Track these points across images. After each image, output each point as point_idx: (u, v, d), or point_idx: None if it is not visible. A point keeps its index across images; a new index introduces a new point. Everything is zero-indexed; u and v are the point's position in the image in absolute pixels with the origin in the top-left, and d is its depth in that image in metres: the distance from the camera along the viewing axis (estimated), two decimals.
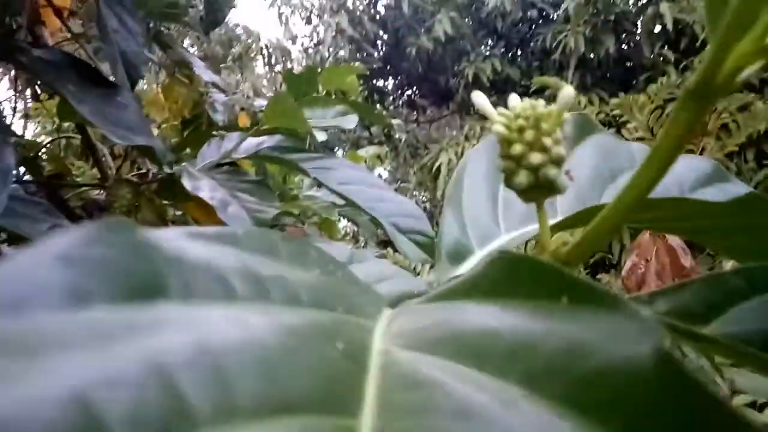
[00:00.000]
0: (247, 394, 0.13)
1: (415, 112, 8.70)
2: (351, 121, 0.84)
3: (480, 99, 0.23)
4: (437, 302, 0.22)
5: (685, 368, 0.12)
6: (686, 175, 0.34)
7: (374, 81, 8.39)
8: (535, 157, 0.21)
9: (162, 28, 1.22)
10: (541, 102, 0.22)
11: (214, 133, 1.03)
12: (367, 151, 2.16)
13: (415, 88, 8.58)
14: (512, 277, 0.20)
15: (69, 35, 0.99)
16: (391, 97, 8.83)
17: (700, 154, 2.24)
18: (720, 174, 0.35)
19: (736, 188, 0.34)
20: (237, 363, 0.13)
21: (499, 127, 0.22)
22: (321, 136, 0.84)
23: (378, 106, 8.19)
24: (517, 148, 0.22)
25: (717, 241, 0.31)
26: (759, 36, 0.18)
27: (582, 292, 0.17)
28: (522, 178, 0.22)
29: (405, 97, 8.79)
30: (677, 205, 0.27)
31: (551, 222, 0.31)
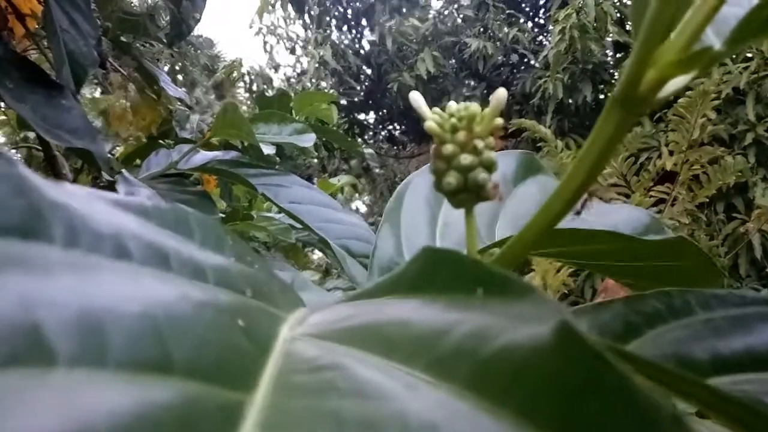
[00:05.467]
0: (122, 346, 0.12)
1: (395, 147, 8.78)
2: (307, 140, 0.84)
3: (416, 97, 0.23)
4: (356, 300, 0.21)
5: (586, 339, 0.12)
6: (623, 225, 0.34)
7: (355, 114, 8.46)
8: (466, 159, 0.21)
9: (129, 41, 1.22)
10: (476, 105, 0.22)
11: (161, 142, 1.02)
12: (340, 180, 2.16)
13: (396, 123, 8.68)
14: (432, 272, 0.19)
15: (36, 44, 0.97)
16: (372, 132, 8.90)
17: (672, 204, 2.29)
18: (656, 226, 0.35)
19: None
20: (116, 313, 0.13)
21: (431, 124, 0.22)
22: (268, 150, 0.84)
23: (358, 139, 8.25)
24: (448, 148, 0.21)
25: (641, 282, 0.31)
26: (682, 46, 0.18)
27: (496, 284, 0.17)
28: (451, 179, 0.22)
29: (386, 131, 8.88)
30: (608, 240, 0.27)
31: (487, 244, 0.31)
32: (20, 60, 0.75)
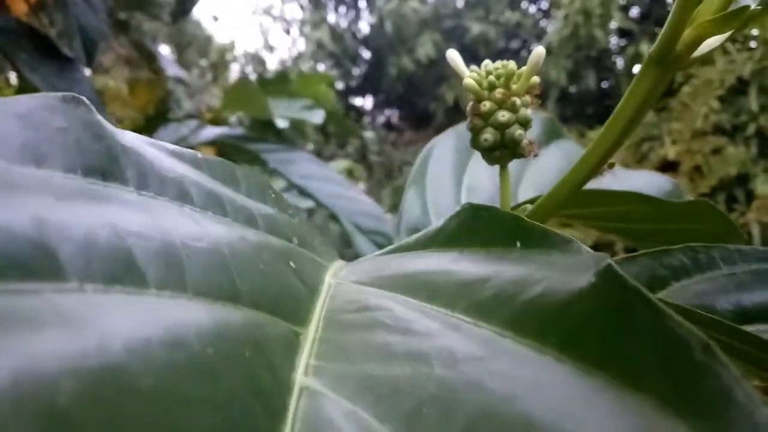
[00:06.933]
0: (198, 276, 0.13)
1: (392, 134, 8.74)
2: (317, 116, 0.84)
3: (453, 56, 0.23)
4: (395, 253, 0.22)
5: (627, 280, 0.13)
6: (646, 190, 0.35)
7: (352, 99, 8.41)
8: (503, 115, 0.22)
9: (127, 19, 1.21)
10: (513, 62, 0.23)
11: (170, 117, 1.03)
12: (338, 165, 2.17)
13: (394, 109, 8.63)
14: (471, 226, 0.20)
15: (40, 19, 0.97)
16: (369, 117, 8.86)
17: None
18: (678, 193, 0.36)
19: None
20: (190, 248, 0.13)
21: (470, 81, 0.22)
22: (283, 124, 0.84)
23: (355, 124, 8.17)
24: (486, 105, 0.22)
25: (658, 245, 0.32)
26: (719, 6, 0.19)
27: (535, 237, 0.18)
28: (488, 135, 0.22)
29: (383, 117, 8.84)
30: (635, 201, 0.28)
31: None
32: (32, 33, 0.75)
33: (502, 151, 0.23)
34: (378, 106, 8.71)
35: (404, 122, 8.37)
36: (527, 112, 0.22)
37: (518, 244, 0.18)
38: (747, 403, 0.09)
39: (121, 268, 0.11)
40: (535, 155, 0.22)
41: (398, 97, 7.96)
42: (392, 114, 8.64)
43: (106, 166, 0.15)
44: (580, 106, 5.43)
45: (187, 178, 0.18)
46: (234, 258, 0.15)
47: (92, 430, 0.08)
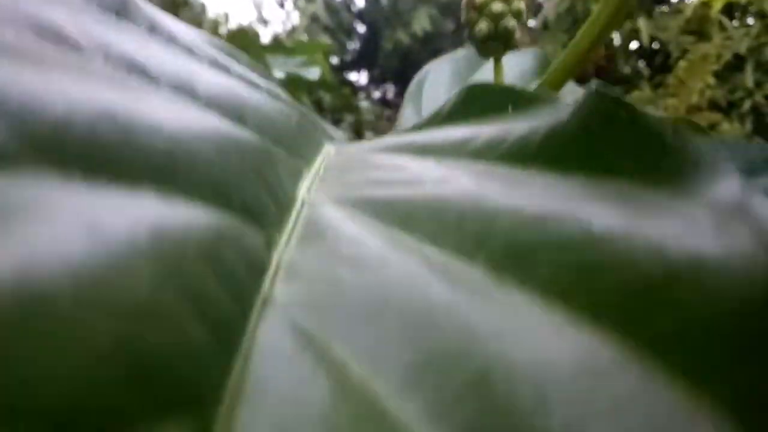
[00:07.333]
0: (208, 94, 0.14)
1: (388, 109, 8.66)
2: (313, 73, 0.85)
3: None
4: (392, 136, 0.23)
5: (605, 91, 0.13)
6: None
7: (347, 74, 8.33)
8: (497, 6, 0.23)
9: None
10: None
11: None
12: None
13: (389, 84, 8.56)
14: (467, 102, 0.21)
15: None
16: (364, 93, 8.77)
17: None
18: None
19: None
20: (199, 77, 0.14)
21: None
22: (278, 74, 0.85)
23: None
24: None
25: None
26: None
27: (525, 99, 0.18)
28: (483, 26, 0.23)
29: (379, 92, 8.76)
30: None
31: None
32: None
33: (496, 42, 0.23)
34: (373, 81, 8.62)
35: (400, 98, 8.31)
36: (520, 4, 0.23)
37: (510, 108, 0.19)
38: (713, 167, 0.10)
39: (136, 70, 0.12)
40: (527, 46, 0.23)
41: (394, 71, 7.88)
42: (388, 89, 8.56)
43: (120, 9, 0.15)
44: (578, 81, 5.41)
45: (194, 43, 0.18)
46: (242, 99, 0.16)
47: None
